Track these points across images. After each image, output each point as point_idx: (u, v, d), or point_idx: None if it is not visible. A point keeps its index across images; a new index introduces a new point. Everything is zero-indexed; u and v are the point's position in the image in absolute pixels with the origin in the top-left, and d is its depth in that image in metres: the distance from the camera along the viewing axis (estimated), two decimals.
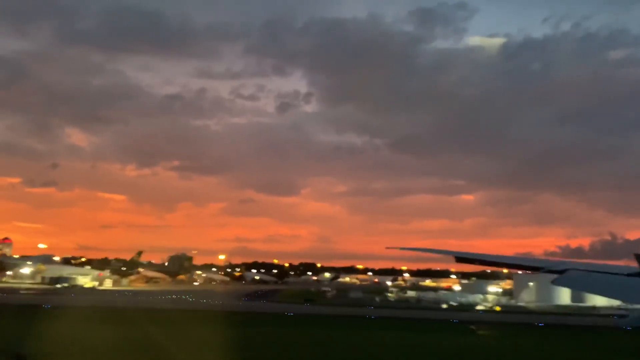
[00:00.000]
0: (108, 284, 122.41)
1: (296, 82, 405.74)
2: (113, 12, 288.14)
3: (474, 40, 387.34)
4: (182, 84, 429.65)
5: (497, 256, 11.73)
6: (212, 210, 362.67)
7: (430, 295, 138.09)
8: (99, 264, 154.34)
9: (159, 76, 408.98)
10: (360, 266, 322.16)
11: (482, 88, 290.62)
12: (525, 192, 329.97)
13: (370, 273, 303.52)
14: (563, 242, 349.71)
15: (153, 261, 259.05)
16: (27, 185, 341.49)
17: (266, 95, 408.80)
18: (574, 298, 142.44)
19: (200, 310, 58.96)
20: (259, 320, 51.76)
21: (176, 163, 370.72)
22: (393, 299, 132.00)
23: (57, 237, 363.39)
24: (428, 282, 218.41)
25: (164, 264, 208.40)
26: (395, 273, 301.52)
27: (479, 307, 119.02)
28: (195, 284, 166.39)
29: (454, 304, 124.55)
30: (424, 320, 59.41)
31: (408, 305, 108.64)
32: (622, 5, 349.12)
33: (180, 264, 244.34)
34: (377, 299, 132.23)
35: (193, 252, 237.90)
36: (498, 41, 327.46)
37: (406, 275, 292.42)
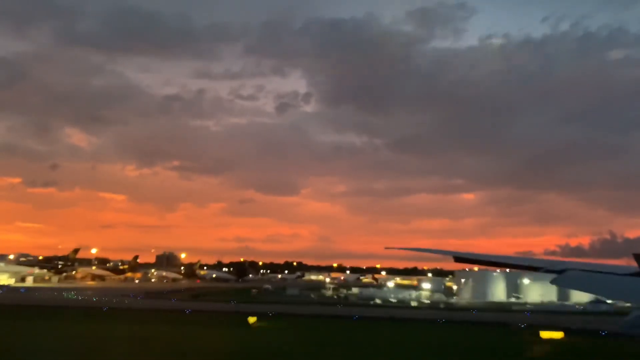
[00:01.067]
0: (29, 282, 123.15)
1: (295, 83, 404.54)
2: (112, 13, 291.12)
3: (473, 40, 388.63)
4: (181, 85, 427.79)
5: (496, 256, 11.59)
6: (213, 210, 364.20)
7: (368, 292, 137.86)
8: (29, 263, 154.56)
9: (159, 77, 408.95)
10: (345, 265, 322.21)
11: (481, 88, 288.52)
12: (525, 191, 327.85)
13: (348, 272, 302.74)
14: (563, 241, 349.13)
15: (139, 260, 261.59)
16: (27, 186, 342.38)
17: (265, 95, 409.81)
18: (509, 294, 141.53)
19: (32, 306, 59.33)
20: (62, 314, 51.64)
21: (176, 163, 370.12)
22: (328, 295, 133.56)
23: (59, 237, 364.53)
24: (399, 280, 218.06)
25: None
26: (375, 271, 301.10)
27: (412, 304, 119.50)
28: (136, 281, 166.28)
29: (393, 300, 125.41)
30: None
31: (326, 301, 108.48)
32: (621, 5, 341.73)
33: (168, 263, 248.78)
34: (313, 295, 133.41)
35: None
36: (497, 41, 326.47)
37: (383, 273, 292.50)
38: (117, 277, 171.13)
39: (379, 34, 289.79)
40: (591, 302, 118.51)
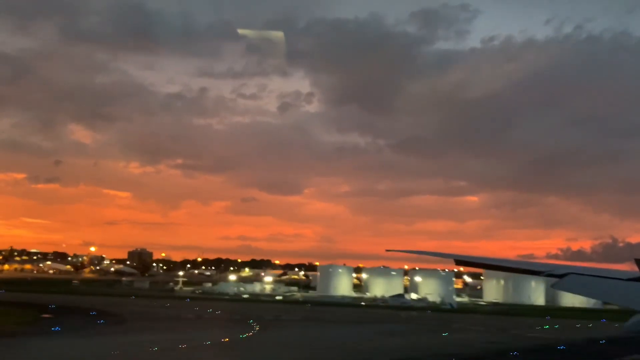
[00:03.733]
0: None
1: (298, 82, 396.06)
2: (116, 11, 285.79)
3: (475, 41, 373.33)
4: (184, 83, 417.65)
5: (497, 259, 11.76)
6: (216, 208, 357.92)
7: (222, 287, 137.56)
8: None
9: (162, 75, 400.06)
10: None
11: (485, 89, 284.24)
12: (529, 194, 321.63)
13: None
14: (564, 245, 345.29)
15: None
16: (31, 182, 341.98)
17: (268, 94, 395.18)
18: (359, 290, 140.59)
19: None
20: None
21: (179, 161, 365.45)
22: (176, 289, 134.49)
23: (64, 232, 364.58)
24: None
25: None
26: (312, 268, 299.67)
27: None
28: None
29: (245, 294, 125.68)
30: None
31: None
32: (625, 8, 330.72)
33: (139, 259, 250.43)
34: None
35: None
36: (500, 42, 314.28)
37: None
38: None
39: (382, 35, 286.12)
40: (393, 297, 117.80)
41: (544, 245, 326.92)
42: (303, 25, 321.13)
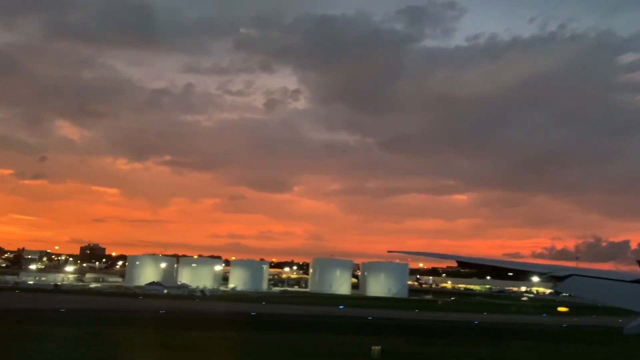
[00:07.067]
0: None
1: (285, 79, 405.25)
2: (102, 6, 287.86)
3: (461, 39, 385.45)
4: (171, 79, 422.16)
5: (499, 261, 11.62)
6: (205, 205, 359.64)
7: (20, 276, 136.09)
8: None
9: (149, 70, 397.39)
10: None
11: (472, 88, 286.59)
12: (517, 193, 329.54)
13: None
14: (549, 244, 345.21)
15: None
16: (18, 178, 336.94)
17: (254, 91, 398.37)
18: (171, 279, 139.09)
19: None
20: None
21: (167, 158, 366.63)
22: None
23: (53, 229, 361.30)
24: None
25: None
26: None
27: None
28: None
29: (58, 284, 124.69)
30: None
31: None
32: (610, 7, 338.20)
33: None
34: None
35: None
36: (485, 41, 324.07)
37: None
38: None
39: (369, 32, 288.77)
40: (148, 285, 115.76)
41: (529, 244, 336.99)
42: (290, 22, 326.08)
